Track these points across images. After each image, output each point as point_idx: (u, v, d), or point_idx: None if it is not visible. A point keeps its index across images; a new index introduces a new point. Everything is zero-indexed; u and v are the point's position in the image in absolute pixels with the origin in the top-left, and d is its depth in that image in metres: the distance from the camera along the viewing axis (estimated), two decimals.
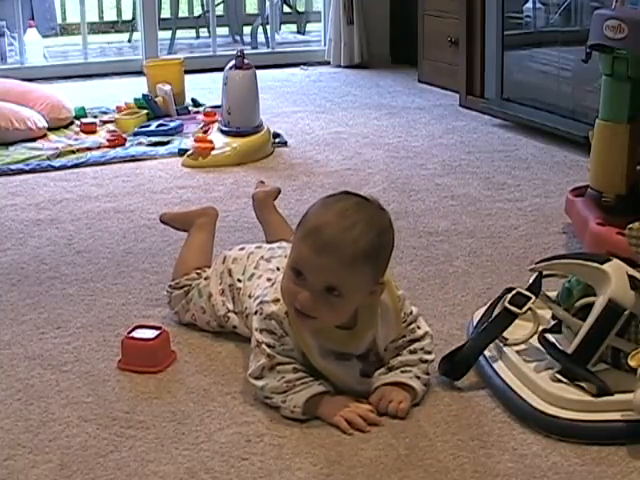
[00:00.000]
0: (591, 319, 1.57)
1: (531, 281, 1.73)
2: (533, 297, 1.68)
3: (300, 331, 1.58)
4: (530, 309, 1.68)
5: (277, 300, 1.59)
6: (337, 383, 1.62)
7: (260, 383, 1.60)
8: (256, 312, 1.63)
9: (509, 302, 1.68)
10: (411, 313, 1.66)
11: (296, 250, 1.55)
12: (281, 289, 1.58)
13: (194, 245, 2.09)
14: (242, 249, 1.93)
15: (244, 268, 1.85)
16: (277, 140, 3.54)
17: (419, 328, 1.67)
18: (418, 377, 1.62)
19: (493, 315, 1.71)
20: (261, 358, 1.59)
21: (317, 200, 1.61)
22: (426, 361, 1.65)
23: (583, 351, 1.58)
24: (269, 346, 1.59)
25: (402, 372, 1.63)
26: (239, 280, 1.85)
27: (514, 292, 1.70)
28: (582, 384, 1.56)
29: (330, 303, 1.53)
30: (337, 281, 1.51)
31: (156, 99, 3.90)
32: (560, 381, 1.58)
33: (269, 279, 1.74)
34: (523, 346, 1.72)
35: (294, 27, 7.14)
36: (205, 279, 1.93)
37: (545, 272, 1.74)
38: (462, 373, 1.68)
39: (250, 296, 1.78)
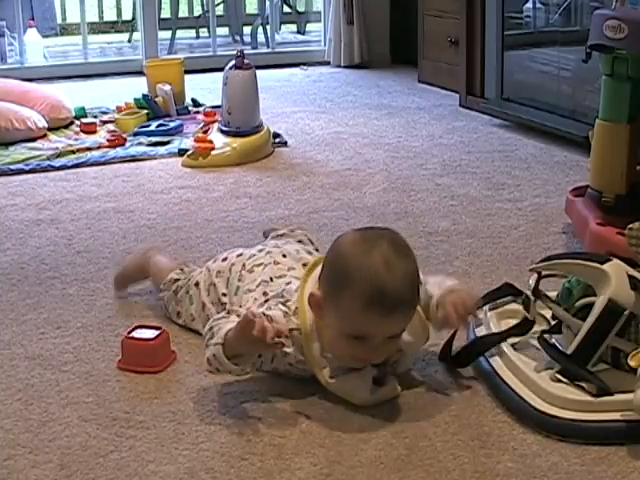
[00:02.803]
0: (591, 319, 1.57)
1: (534, 283, 1.73)
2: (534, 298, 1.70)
3: (311, 352, 1.58)
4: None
5: (287, 313, 1.60)
6: (348, 398, 1.60)
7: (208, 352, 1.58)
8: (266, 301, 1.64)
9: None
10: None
11: (360, 319, 1.51)
12: (336, 351, 1.57)
13: (162, 260, 2.07)
14: (225, 260, 1.90)
15: (227, 281, 1.83)
16: (277, 140, 3.54)
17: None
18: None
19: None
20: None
21: (336, 247, 1.58)
22: None
23: (583, 351, 1.57)
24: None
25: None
26: (224, 294, 1.83)
27: (524, 296, 1.72)
28: (582, 384, 1.56)
29: (391, 345, 1.57)
30: (403, 328, 1.56)
31: (156, 99, 3.90)
32: (560, 381, 1.58)
33: (265, 293, 1.71)
34: (523, 346, 1.72)
35: (294, 27, 7.14)
36: (196, 285, 1.90)
37: (545, 272, 1.74)
38: (468, 361, 1.70)
39: None
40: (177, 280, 1.95)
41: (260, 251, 1.86)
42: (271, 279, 1.75)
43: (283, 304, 1.63)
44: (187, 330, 1.92)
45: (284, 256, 1.82)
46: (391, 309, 1.50)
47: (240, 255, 1.88)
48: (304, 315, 1.59)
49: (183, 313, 1.92)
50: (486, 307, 1.80)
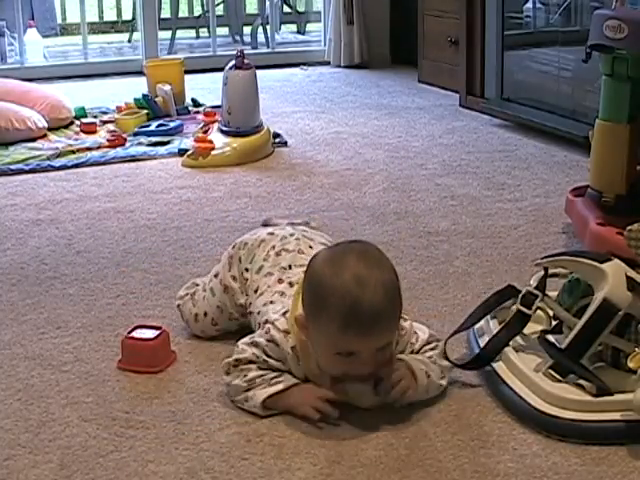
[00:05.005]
0: (585, 317, 1.57)
1: (539, 279, 1.73)
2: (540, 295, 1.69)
3: (310, 369, 1.58)
4: (540, 308, 1.69)
5: (287, 332, 1.59)
6: (351, 402, 1.59)
7: (227, 379, 1.61)
8: (260, 325, 1.63)
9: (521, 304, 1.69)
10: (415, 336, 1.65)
11: (340, 340, 1.48)
12: (331, 370, 1.55)
13: None
14: (254, 234, 1.88)
15: (253, 256, 1.81)
16: (277, 140, 3.54)
17: (417, 333, 1.66)
18: (428, 375, 1.59)
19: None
20: (233, 355, 1.61)
21: (310, 269, 1.56)
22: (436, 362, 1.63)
23: (576, 347, 1.57)
24: (252, 361, 1.59)
25: (417, 361, 1.60)
26: (246, 269, 1.81)
27: (524, 291, 1.70)
28: (582, 383, 1.56)
29: (384, 356, 1.53)
30: (389, 338, 1.53)
31: (156, 99, 3.90)
32: (552, 376, 1.58)
33: (280, 280, 1.72)
34: (523, 346, 1.72)
35: (294, 27, 7.15)
36: (215, 276, 1.87)
37: (550, 270, 1.74)
38: (479, 365, 1.68)
39: (256, 291, 1.75)
40: (187, 293, 1.94)
41: (291, 235, 1.84)
42: (290, 267, 1.74)
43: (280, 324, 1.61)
44: (187, 330, 1.92)
45: (310, 247, 1.80)
46: (370, 325, 1.47)
47: (271, 234, 1.85)
48: (294, 336, 1.58)
49: (201, 307, 1.88)
50: (487, 316, 1.79)
